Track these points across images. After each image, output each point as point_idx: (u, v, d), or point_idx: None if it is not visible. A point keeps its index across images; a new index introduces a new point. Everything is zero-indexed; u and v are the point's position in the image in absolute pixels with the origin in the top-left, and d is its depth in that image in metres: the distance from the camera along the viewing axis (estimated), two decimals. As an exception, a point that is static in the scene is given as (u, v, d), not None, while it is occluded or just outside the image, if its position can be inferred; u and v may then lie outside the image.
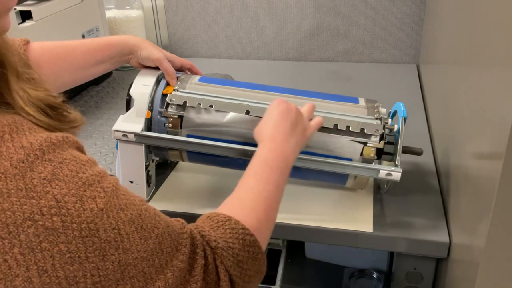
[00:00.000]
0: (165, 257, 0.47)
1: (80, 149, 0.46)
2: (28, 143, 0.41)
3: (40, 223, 0.40)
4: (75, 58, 0.83)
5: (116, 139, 0.81)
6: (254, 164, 0.64)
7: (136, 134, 0.80)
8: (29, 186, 0.40)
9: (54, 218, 0.40)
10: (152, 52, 0.83)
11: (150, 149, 0.84)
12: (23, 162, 0.40)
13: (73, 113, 0.49)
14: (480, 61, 0.67)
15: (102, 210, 0.42)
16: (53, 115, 0.46)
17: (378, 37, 1.46)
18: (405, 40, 1.45)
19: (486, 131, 0.60)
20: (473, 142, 0.67)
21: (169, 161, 0.97)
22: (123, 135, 0.80)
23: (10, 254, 0.39)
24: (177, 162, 0.98)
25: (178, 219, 0.52)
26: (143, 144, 0.82)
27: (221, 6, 1.51)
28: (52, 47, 0.83)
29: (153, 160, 0.87)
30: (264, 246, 0.57)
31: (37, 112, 0.44)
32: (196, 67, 0.93)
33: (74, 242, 0.40)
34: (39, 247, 0.39)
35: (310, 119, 0.75)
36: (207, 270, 0.51)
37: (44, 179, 0.41)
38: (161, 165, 0.95)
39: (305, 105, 0.76)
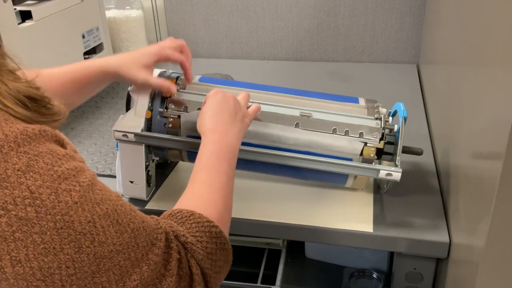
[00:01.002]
0: (141, 251, 0.47)
1: (60, 143, 0.46)
2: (3, 134, 0.41)
3: (13, 213, 0.39)
4: (76, 84, 0.80)
5: (116, 139, 0.81)
6: (202, 158, 0.65)
7: (136, 134, 0.80)
8: (3, 176, 0.40)
9: (28, 209, 0.40)
10: (136, 76, 0.77)
11: (150, 149, 0.84)
12: None
13: (57, 106, 0.49)
14: (480, 61, 0.67)
15: (76, 203, 0.42)
16: (33, 107, 0.46)
17: (378, 37, 1.46)
18: (405, 40, 1.45)
19: (486, 131, 0.60)
20: (473, 142, 0.67)
21: (169, 161, 0.97)
22: (123, 135, 0.80)
23: None
24: (177, 162, 0.98)
25: (152, 216, 0.53)
26: (143, 144, 0.82)
27: (221, 6, 1.51)
28: (56, 76, 0.79)
29: (153, 160, 0.87)
30: (226, 236, 0.58)
31: (15, 104, 0.44)
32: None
33: (48, 233, 0.40)
34: (12, 237, 0.39)
35: (248, 107, 0.76)
36: (180, 265, 0.51)
37: (18, 170, 0.41)
38: (161, 165, 0.95)
39: (240, 94, 0.77)
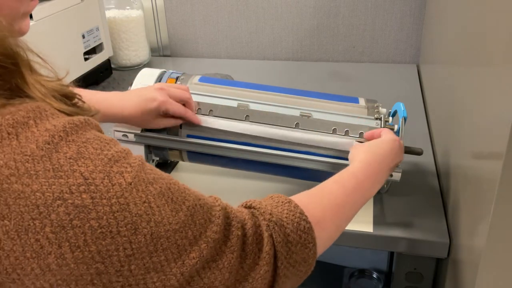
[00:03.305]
0: (198, 228, 0.46)
1: (101, 132, 0.47)
2: (52, 125, 0.42)
3: (70, 201, 0.40)
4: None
5: (116, 139, 0.81)
6: (344, 174, 0.65)
7: (136, 134, 0.80)
8: (56, 166, 0.40)
9: (83, 196, 0.40)
10: (156, 126, 0.79)
11: (150, 149, 0.84)
12: (48, 144, 0.41)
13: (87, 104, 0.50)
14: (480, 61, 0.67)
15: (130, 184, 0.43)
16: (70, 104, 0.47)
17: (378, 37, 1.46)
18: (405, 40, 1.45)
19: (486, 131, 0.60)
20: (473, 142, 0.67)
21: (169, 161, 0.97)
22: (123, 135, 0.80)
23: (42, 233, 0.39)
24: (177, 162, 0.98)
25: (212, 195, 0.52)
26: (143, 144, 0.82)
27: (221, 6, 1.51)
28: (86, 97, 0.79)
29: (153, 160, 0.87)
30: (321, 246, 0.56)
31: (56, 102, 0.45)
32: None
33: (105, 217, 0.41)
34: (70, 225, 0.40)
35: None
36: (246, 241, 0.50)
37: (70, 158, 0.41)
38: (161, 165, 0.95)
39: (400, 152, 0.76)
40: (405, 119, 0.79)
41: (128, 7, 1.46)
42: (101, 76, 1.39)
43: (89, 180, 0.41)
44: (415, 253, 0.78)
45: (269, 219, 0.52)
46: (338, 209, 0.60)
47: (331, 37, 1.49)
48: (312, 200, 0.58)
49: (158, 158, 0.89)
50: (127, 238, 0.42)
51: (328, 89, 1.13)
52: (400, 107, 0.82)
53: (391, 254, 1.04)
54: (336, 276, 1.09)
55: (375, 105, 0.84)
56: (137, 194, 0.43)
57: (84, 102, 0.49)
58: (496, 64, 0.58)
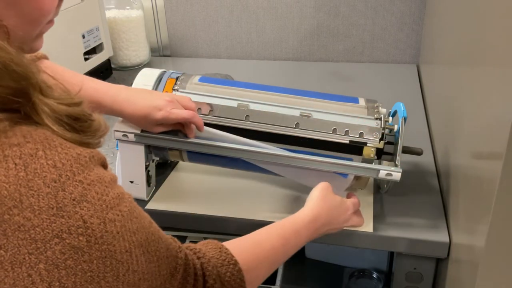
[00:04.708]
0: (161, 279, 0.49)
1: (104, 165, 0.48)
2: (61, 163, 0.43)
3: (67, 241, 0.41)
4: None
5: (116, 139, 0.81)
6: (289, 228, 0.69)
7: (136, 134, 0.80)
8: (60, 205, 0.41)
9: (80, 238, 0.41)
10: (155, 131, 0.79)
11: (150, 149, 0.84)
12: (55, 182, 0.42)
13: (97, 119, 0.49)
14: (480, 61, 0.67)
15: (118, 233, 0.44)
16: (78, 127, 0.47)
17: (378, 37, 1.46)
18: (405, 40, 1.45)
19: (486, 131, 0.60)
20: (473, 142, 0.67)
21: (169, 161, 0.97)
22: (123, 135, 0.80)
23: (35, 269, 0.40)
24: (177, 162, 0.98)
25: (174, 239, 0.54)
26: (143, 144, 0.82)
27: (221, 6, 1.51)
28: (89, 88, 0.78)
29: (153, 160, 0.87)
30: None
31: (63, 130, 0.45)
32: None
33: (95, 262, 0.42)
34: (63, 264, 0.41)
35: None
36: None
37: (73, 200, 0.42)
38: (161, 165, 0.95)
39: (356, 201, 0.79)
40: (405, 119, 0.79)
41: (128, 7, 1.46)
42: (101, 76, 1.39)
43: (87, 224, 0.42)
44: (415, 253, 0.78)
45: (211, 285, 0.56)
46: (275, 262, 0.67)
47: (331, 37, 1.49)
48: (255, 259, 0.63)
49: (158, 158, 0.89)
50: (110, 284, 0.43)
51: (328, 89, 1.13)
52: (400, 107, 0.82)
53: (391, 254, 1.04)
54: (336, 276, 1.09)
55: (375, 105, 0.84)
56: (122, 243, 0.44)
57: (93, 120, 0.49)
58: (496, 64, 0.58)
